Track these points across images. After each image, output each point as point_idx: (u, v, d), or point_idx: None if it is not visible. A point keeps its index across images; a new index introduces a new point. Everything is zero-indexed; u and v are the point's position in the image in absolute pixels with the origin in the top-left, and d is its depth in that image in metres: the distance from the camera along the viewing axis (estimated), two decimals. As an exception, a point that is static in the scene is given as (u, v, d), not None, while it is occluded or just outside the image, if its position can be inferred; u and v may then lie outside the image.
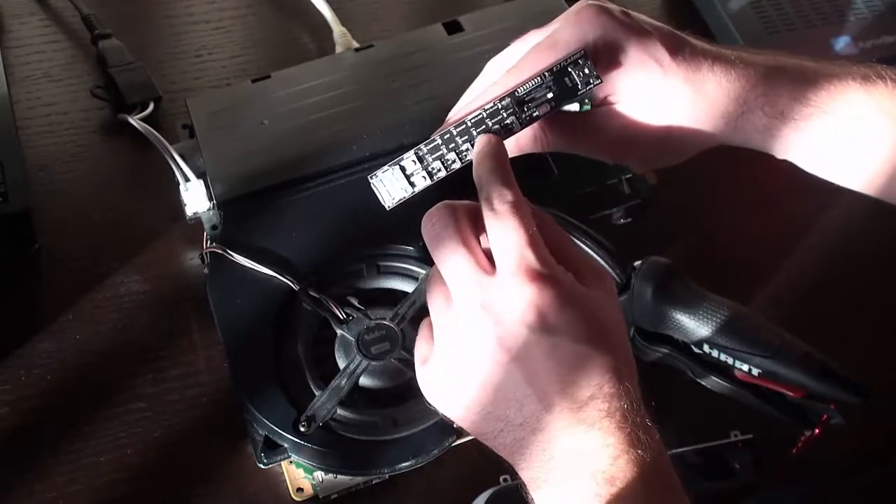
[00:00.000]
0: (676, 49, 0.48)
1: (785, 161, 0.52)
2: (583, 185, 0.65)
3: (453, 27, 0.69)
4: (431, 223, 0.45)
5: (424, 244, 0.59)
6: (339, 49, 0.74)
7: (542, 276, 0.41)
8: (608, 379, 0.41)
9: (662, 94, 0.48)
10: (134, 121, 0.68)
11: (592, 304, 0.42)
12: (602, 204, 0.65)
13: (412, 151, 0.47)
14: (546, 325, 0.41)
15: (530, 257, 0.42)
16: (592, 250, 0.59)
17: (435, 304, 0.46)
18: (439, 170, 0.47)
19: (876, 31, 0.78)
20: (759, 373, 0.55)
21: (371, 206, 0.61)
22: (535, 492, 0.43)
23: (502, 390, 0.42)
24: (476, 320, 0.42)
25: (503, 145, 0.47)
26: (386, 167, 0.47)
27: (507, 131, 0.47)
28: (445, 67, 0.66)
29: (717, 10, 0.78)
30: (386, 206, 0.47)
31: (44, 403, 0.59)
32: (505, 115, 0.47)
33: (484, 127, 0.47)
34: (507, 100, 0.47)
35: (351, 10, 0.79)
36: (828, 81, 0.49)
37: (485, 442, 0.45)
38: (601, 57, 0.47)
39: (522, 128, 0.47)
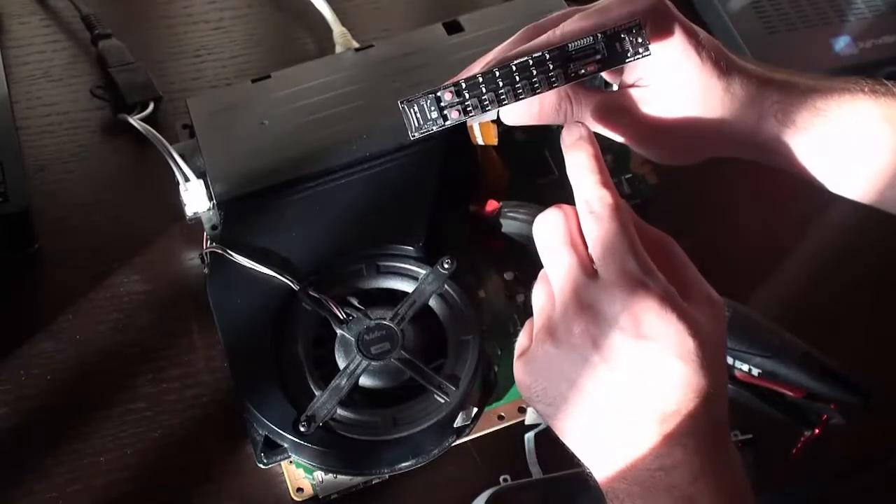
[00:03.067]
0: (712, 47, 0.50)
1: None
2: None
3: (453, 27, 0.69)
4: (543, 224, 0.46)
5: (424, 244, 0.60)
6: (339, 49, 0.74)
7: (642, 284, 0.42)
8: (692, 398, 0.41)
9: (694, 84, 0.49)
10: (134, 121, 0.68)
11: (690, 321, 0.42)
12: (602, 204, 0.65)
13: (450, 83, 0.46)
14: (639, 331, 0.41)
15: (632, 263, 0.42)
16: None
17: (537, 301, 0.46)
18: (475, 107, 0.46)
19: (876, 31, 0.78)
20: (759, 373, 0.55)
21: (371, 206, 0.62)
22: (611, 501, 0.43)
23: (588, 391, 0.43)
24: (573, 320, 0.42)
25: (594, 139, 0.47)
26: (420, 94, 0.45)
27: (549, 84, 0.46)
28: (445, 67, 0.66)
29: (717, 10, 0.79)
30: (411, 135, 0.46)
31: (44, 403, 0.59)
32: (551, 66, 0.46)
33: (527, 74, 0.46)
34: (556, 52, 0.46)
35: (351, 10, 0.79)
36: (838, 93, 0.51)
37: (567, 443, 0.45)
38: (651, 35, 0.48)
39: (566, 82, 0.47)
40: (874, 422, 0.57)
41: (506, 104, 0.46)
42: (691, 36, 0.49)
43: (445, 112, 0.46)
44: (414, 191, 0.61)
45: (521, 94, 0.46)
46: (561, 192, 0.64)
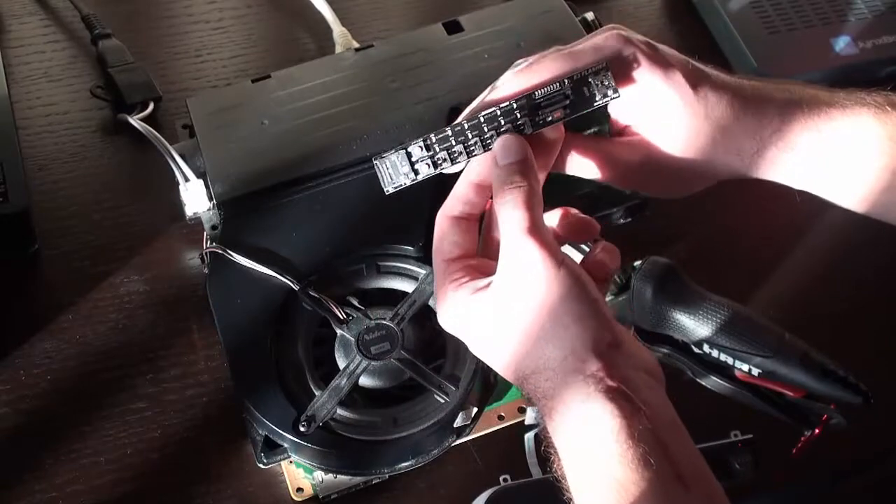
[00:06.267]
0: (698, 83, 0.48)
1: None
2: (583, 185, 0.65)
3: (453, 27, 0.69)
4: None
5: (424, 244, 0.60)
6: (339, 49, 0.74)
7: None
8: None
9: (682, 127, 0.48)
10: (134, 121, 0.68)
11: None
12: (602, 204, 0.65)
13: (420, 139, 0.47)
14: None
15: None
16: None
17: None
18: (445, 160, 0.47)
19: (876, 31, 0.78)
20: (759, 373, 0.55)
21: (371, 206, 0.62)
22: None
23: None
24: None
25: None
26: (392, 150, 0.47)
27: (518, 132, 0.47)
28: (445, 67, 0.66)
29: (717, 10, 0.78)
30: (385, 191, 0.47)
31: (44, 403, 0.59)
32: (518, 115, 0.47)
33: (496, 125, 0.46)
34: (523, 101, 0.46)
35: (351, 10, 0.79)
36: (841, 112, 0.50)
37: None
38: (620, 78, 0.47)
39: (534, 131, 0.47)
40: (874, 422, 0.57)
41: (475, 155, 0.47)
42: (671, 80, 0.47)
43: (416, 166, 0.47)
44: (414, 191, 0.61)
45: (489, 144, 0.47)
46: (561, 191, 0.65)
